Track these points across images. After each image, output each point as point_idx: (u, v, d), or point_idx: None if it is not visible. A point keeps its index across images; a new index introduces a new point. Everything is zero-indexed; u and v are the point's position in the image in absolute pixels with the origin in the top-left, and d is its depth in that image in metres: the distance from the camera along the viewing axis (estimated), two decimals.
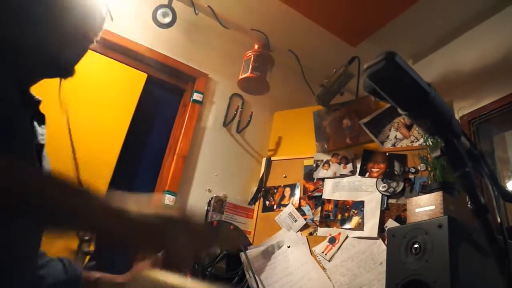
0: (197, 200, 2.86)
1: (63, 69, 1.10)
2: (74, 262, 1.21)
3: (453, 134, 0.96)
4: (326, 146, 2.89)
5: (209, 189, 2.92)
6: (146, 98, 2.88)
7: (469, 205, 2.27)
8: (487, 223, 0.91)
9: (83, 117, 2.45)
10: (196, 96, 3.09)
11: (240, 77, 2.83)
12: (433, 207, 1.92)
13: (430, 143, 2.24)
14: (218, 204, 2.88)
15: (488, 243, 0.91)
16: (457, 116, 2.60)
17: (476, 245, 1.75)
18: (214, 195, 2.90)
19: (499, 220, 0.94)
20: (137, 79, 2.89)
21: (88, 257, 2.32)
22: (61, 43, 1.06)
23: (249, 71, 2.77)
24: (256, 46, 2.93)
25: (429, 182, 2.26)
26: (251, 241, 2.80)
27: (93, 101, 2.63)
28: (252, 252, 2.66)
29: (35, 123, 1.08)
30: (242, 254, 2.63)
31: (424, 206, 1.96)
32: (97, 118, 2.58)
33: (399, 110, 0.97)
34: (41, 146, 1.08)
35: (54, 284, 1.10)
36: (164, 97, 3.13)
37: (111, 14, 2.66)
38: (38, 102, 1.11)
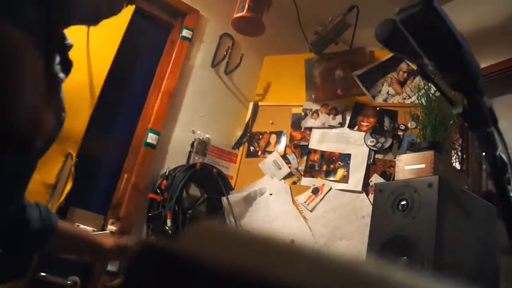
0: (180, 141, 2.79)
1: (97, 20, 1.03)
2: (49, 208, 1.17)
3: (477, 91, 0.91)
4: (314, 96, 2.82)
5: (193, 130, 2.85)
6: (132, 30, 2.72)
7: (455, 166, 2.29)
8: (503, 185, 0.88)
9: None
10: (185, 33, 2.96)
11: (235, 15, 2.70)
12: (423, 165, 1.91)
13: (423, 102, 2.21)
14: (201, 146, 2.82)
15: (501, 205, 0.89)
16: None
17: (463, 207, 1.76)
18: (198, 136, 2.84)
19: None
20: (123, 11, 2.73)
21: (64, 195, 2.26)
22: None
23: (245, 10, 2.63)
24: None
25: (418, 140, 2.24)
26: (233, 186, 2.77)
27: (75, 30, 2.47)
28: (233, 197, 2.64)
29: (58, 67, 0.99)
30: (224, 199, 2.61)
31: (414, 164, 1.94)
32: (79, 49, 2.43)
33: (425, 59, 0.91)
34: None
35: (29, 233, 1.06)
36: (151, 31, 2.98)
37: None
38: (70, 46, 1.02)
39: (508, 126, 2.99)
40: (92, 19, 1.03)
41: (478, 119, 0.90)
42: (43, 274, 2.12)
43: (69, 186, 2.25)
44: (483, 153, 0.90)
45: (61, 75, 1.01)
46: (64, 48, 1.03)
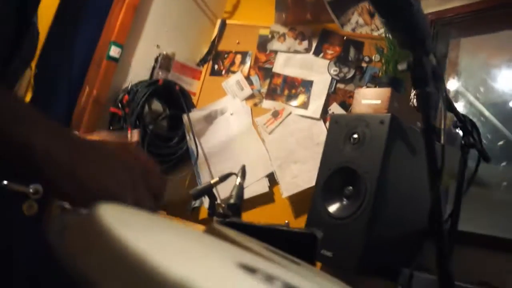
0: (144, 55, 2.74)
1: None
2: None
3: (424, 51, 0.94)
4: (284, 17, 2.78)
5: (157, 45, 2.79)
6: None
7: (412, 103, 2.35)
8: (431, 144, 0.94)
9: None
10: None
11: None
12: (379, 101, 1.96)
13: (390, 36, 2.21)
14: (166, 61, 2.79)
15: (427, 161, 0.95)
16: None
17: (410, 146, 1.84)
18: (163, 52, 2.79)
19: (442, 141, 0.97)
20: None
21: None
22: None
23: None
24: None
25: (380, 74, 2.28)
26: (195, 103, 2.79)
27: None
28: (194, 114, 2.67)
29: None
30: (185, 116, 2.64)
31: (371, 99, 2.00)
32: None
33: (378, 16, 0.92)
34: None
35: None
36: None
37: None
38: None
39: (477, 65, 3.07)
40: None
41: (420, 77, 0.93)
42: (4, 182, 2.16)
43: (28, 97, 2.23)
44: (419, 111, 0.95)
45: None
46: None
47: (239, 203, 1.65)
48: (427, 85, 0.93)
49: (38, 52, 2.26)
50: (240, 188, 1.68)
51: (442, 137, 0.99)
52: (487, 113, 3.57)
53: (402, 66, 0.95)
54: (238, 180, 1.70)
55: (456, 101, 2.94)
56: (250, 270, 0.37)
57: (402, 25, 0.89)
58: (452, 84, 2.70)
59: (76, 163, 0.55)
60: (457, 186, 1.77)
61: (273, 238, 1.01)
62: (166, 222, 0.46)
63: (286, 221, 1.55)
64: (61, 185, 0.55)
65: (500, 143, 3.51)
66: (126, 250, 0.27)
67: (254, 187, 2.46)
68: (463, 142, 1.75)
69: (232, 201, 1.64)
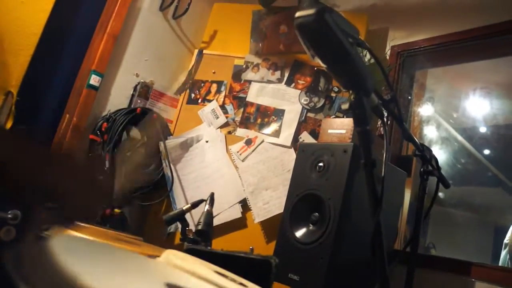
0: (123, 84, 2.83)
1: None
2: None
3: (364, 92, 1.04)
4: (260, 46, 2.90)
5: (136, 74, 2.89)
6: None
7: (377, 135, 2.47)
8: (371, 176, 1.04)
9: None
10: None
11: None
12: (344, 131, 2.07)
13: None
14: (144, 90, 2.88)
15: (368, 192, 1.05)
16: (388, 45, 2.69)
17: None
18: (141, 80, 2.89)
19: (383, 174, 1.07)
20: None
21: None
22: None
23: None
24: None
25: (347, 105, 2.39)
26: (172, 131, 2.87)
27: None
28: (171, 142, 2.75)
29: None
30: (161, 143, 2.72)
31: (337, 128, 2.10)
32: None
33: (320, 62, 1.03)
34: None
35: None
36: None
37: None
38: None
39: (447, 93, 3.21)
40: None
41: (360, 116, 1.03)
42: None
43: (9, 124, 2.29)
44: (360, 147, 1.05)
45: None
46: None
47: (208, 229, 1.72)
48: (367, 124, 1.03)
49: (20, 80, 2.34)
50: (208, 215, 1.75)
51: (383, 170, 1.09)
52: (460, 137, 3.72)
53: (344, 106, 1.06)
54: (206, 207, 1.78)
55: (429, 127, 3.08)
56: None
57: (342, 70, 1.00)
58: (425, 111, 2.84)
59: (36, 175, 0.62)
60: (416, 212, 1.88)
61: (232, 264, 1.10)
62: (109, 250, 0.54)
63: (251, 247, 1.62)
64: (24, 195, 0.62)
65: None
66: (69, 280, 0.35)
67: (228, 213, 2.53)
68: (422, 169, 1.87)
69: (199, 227, 1.72)
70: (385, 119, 1.16)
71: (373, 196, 1.05)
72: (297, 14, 0.96)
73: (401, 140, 2.56)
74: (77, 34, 2.70)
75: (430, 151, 1.84)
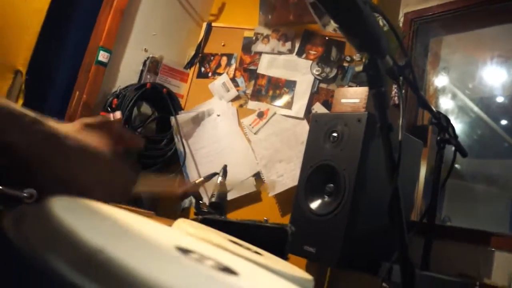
0: (132, 59, 2.80)
1: None
2: None
3: (378, 53, 1.00)
4: (270, 17, 2.84)
5: (145, 49, 2.85)
6: None
7: (393, 101, 2.42)
8: (388, 140, 1.00)
9: None
10: None
11: None
12: (357, 100, 2.02)
13: None
14: (154, 65, 2.85)
15: (385, 157, 1.01)
16: (401, 13, 2.61)
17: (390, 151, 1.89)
18: (150, 55, 2.85)
19: (400, 138, 1.03)
20: None
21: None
22: None
23: None
24: None
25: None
26: (182, 105, 2.84)
27: None
28: (182, 117, 2.73)
29: None
30: (172, 118, 2.70)
31: (350, 98, 2.06)
32: None
33: (332, 22, 0.98)
34: None
35: None
36: None
37: None
38: None
39: (462, 62, 3.12)
40: None
41: (374, 78, 0.99)
42: None
43: (19, 103, 2.28)
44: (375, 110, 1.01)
45: None
46: None
47: (221, 202, 1.70)
48: (382, 85, 0.99)
49: (28, 58, 2.32)
50: (221, 187, 1.73)
51: (400, 134, 1.05)
52: (476, 108, 3.64)
53: (358, 68, 1.02)
54: (219, 179, 1.76)
55: (444, 97, 3.00)
56: (185, 251, 0.43)
57: (354, 30, 0.95)
58: (440, 81, 2.77)
59: (50, 156, 0.60)
60: (433, 182, 1.84)
61: (247, 233, 1.08)
62: (115, 212, 0.51)
63: (265, 218, 1.60)
64: (37, 177, 0.60)
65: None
66: (73, 236, 0.32)
67: (241, 187, 2.51)
68: (438, 138, 1.82)
69: (213, 199, 1.70)
70: (400, 83, 1.12)
71: (390, 162, 1.01)
72: None
73: (416, 109, 2.50)
74: (83, 10, 2.66)
75: (447, 118, 1.79)
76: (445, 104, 3.12)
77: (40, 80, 2.46)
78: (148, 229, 0.51)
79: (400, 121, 1.08)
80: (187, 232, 0.72)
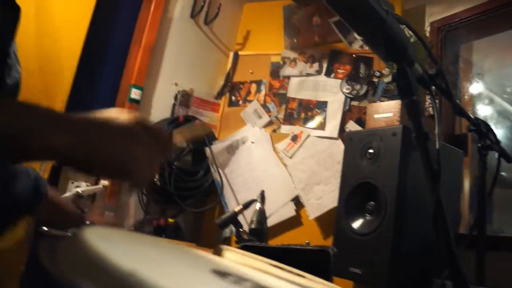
0: (164, 94, 2.85)
1: None
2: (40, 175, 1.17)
3: (406, 62, 0.98)
4: (295, 40, 2.85)
5: (175, 83, 2.90)
6: None
7: (427, 112, 2.36)
8: (425, 150, 0.96)
9: (45, 10, 2.32)
10: None
11: None
12: (391, 114, 1.99)
13: None
14: (185, 98, 2.89)
15: (424, 168, 0.98)
16: (427, 22, 2.58)
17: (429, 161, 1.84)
18: (181, 88, 2.90)
19: (437, 146, 0.99)
20: None
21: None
22: None
23: None
24: None
25: (392, 87, 2.31)
26: (216, 136, 2.86)
27: None
28: (217, 146, 2.74)
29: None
30: (207, 149, 2.72)
31: (383, 112, 2.02)
32: (55, 11, 2.43)
33: (356, 35, 0.97)
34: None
35: (17, 203, 1.03)
36: None
37: None
38: None
39: (496, 65, 3.04)
40: None
41: (405, 88, 0.97)
42: (44, 228, 2.25)
43: None
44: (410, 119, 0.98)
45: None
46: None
47: (261, 228, 1.69)
48: (413, 94, 0.96)
49: (65, 101, 2.39)
50: (260, 213, 1.72)
51: (437, 142, 1.01)
52: None
53: (387, 79, 0.99)
54: (258, 205, 1.75)
55: (481, 103, 2.92)
56: (222, 274, 0.42)
57: (379, 40, 0.94)
58: (475, 87, 2.70)
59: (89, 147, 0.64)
60: (478, 191, 1.76)
61: (290, 257, 1.05)
62: (148, 239, 0.51)
63: (307, 241, 1.57)
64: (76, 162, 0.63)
65: None
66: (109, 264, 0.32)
67: (281, 212, 2.49)
68: (479, 145, 1.75)
69: (253, 226, 1.69)
70: (432, 91, 1.09)
71: (429, 172, 0.98)
72: None
73: (453, 118, 2.43)
74: (114, 50, 2.75)
75: (486, 124, 1.72)
76: (483, 110, 3.03)
77: None
78: (184, 254, 0.50)
79: (436, 130, 1.05)
80: (226, 257, 0.71)
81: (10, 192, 1.02)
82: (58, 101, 2.39)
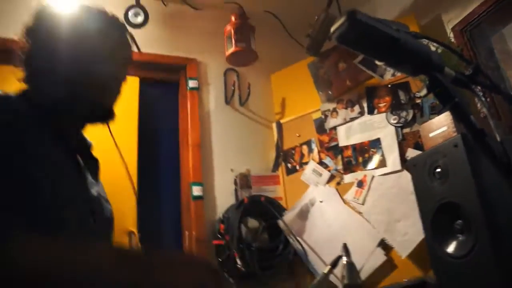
0: (223, 183, 2.92)
1: (108, 113, 1.17)
2: None
3: (435, 68, 0.97)
4: (329, 92, 2.89)
5: (231, 169, 2.97)
6: (144, 100, 2.91)
7: (482, 113, 2.28)
8: (486, 145, 0.93)
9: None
10: (192, 83, 3.10)
11: (227, 53, 2.83)
12: (445, 128, 1.94)
13: None
14: (244, 180, 2.94)
15: (492, 164, 0.93)
16: (448, 29, 2.57)
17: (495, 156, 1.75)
18: (238, 173, 2.96)
19: (498, 138, 0.96)
20: (131, 85, 2.90)
21: None
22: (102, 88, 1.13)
23: (233, 45, 2.76)
24: (233, 18, 2.90)
25: (437, 102, 2.26)
26: (284, 206, 2.86)
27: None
28: (288, 216, 2.73)
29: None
30: (280, 222, 2.71)
31: (437, 129, 1.98)
32: (105, 139, 2.60)
33: (377, 62, 0.98)
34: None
35: None
36: (161, 93, 3.15)
37: (138, 46, 2.59)
38: (89, 145, 1.19)
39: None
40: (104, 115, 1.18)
41: (443, 95, 0.95)
42: None
43: None
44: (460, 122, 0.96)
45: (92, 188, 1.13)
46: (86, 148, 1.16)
47: (354, 281, 1.63)
48: (453, 97, 0.94)
49: (135, 217, 2.50)
50: (349, 266, 1.67)
51: (497, 135, 0.98)
52: None
53: (422, 93, 0.98)
54: (344, 259, 1.70)
55: None
56: None
57: (400, 59, 0.94)
58: None
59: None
60: None
61: None
62: None
63: (405, 280, 1.50)
64: None
65: None
66: None
67: (372, 261, 2.40)
68: None
69: (345, 281, 1.63)
70: (473, 89, 1.06)
71: (500, 167, 0.93)
72: (332, 29, 0.93)
73: (510, 111, 2.32)
74: (165, 158, 2.89)
75: None
76: None
77: (151, 233, 2.61)
78: None
79: (491, 123, 1.02)
80: None
81: None
82: (130, 219, 2.49)
